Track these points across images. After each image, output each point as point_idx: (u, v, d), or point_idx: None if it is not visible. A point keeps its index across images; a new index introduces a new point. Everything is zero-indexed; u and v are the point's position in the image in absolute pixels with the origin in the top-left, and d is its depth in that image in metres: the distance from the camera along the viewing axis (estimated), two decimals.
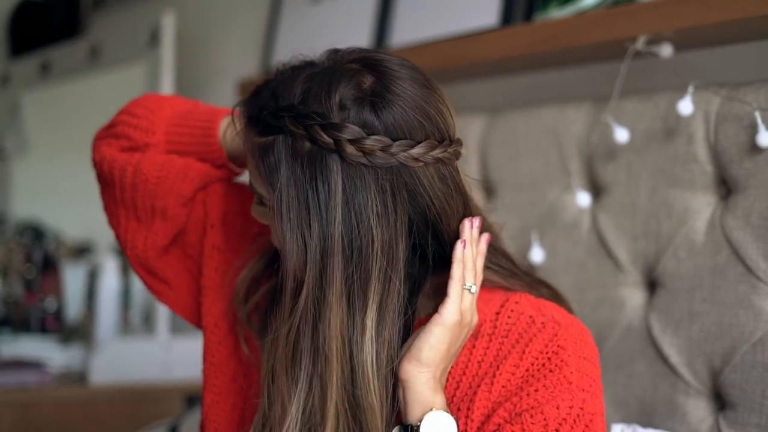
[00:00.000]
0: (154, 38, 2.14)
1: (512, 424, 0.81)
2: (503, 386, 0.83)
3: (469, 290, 0.83)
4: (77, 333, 2.26)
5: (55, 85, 2.61)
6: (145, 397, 1.91)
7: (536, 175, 1.30)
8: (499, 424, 0.82)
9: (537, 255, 1.27)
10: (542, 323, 0.85)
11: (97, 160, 1.03)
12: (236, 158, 1.00)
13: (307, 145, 0.77)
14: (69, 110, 2.77)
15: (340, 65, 0.81)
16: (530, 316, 0.86)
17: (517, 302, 0.87)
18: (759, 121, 1.03)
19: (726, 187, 1.10)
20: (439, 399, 0.81)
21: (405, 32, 1.55)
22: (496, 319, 0.86)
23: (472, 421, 0.83)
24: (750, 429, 1.02)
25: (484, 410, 0.83)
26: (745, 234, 1.05)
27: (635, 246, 1.17)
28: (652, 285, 1.17)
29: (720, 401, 1.08)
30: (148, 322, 2.13)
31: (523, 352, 0.84)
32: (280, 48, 1.87)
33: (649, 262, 1.16)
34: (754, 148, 1.05)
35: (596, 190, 1.25)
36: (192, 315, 1.06)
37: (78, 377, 1.98)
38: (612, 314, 1.19)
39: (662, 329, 1.13)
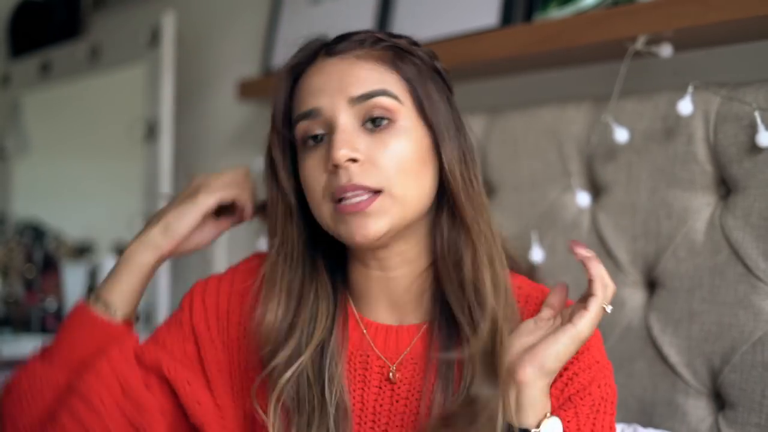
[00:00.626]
0: (154, 38, 2.14)
1: (565, 410, 0.84)
2: None
3: (606, 309, 0.85)
4: None
5: (55, 85, 2.61)
6: None
7: (536, 175, 1.30)
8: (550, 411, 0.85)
9: (537, 255, 1.28)
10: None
11: None
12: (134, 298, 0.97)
13: (432, 71, 0.91)
14: (69, 110, 2.77)
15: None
16: (538, 298, 0.91)
17: (519, 287, 0.92)
18: (758, 121, 1.04)
19: (726, 187, 1.11)
20: (549, 404, 0.83)
21: (405, 32, 1.55)
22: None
23: None
24: (750, 429, 1.02)
25: None
26: (745, 234, 1.05)
27: (635, 246, 1.17)
28: (651, 285, 1.17)
29: (720, 401, 1.08)
30: (148, 321, 2.13)
31: None
32: (280, 48, 1.87)
33: (648, 262, 1.16)
34: (754, 148, 1.05)
35: (596, 190, 1.25)
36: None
37: None
38: (612, 314, 1.18)
39: (662, 329, 1.13)
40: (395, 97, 0.86)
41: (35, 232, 2.61)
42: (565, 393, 0.85)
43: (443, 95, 0.91)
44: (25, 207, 2.80)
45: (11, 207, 2.81)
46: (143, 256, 0.97)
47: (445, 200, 0.89)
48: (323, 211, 0.87)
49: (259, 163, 1.94)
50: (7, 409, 0.91)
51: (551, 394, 0.85)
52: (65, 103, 2.75)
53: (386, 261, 0.91)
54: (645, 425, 1.11)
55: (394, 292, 0.92)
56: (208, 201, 0.98)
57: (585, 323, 0.83)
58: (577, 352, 0.85)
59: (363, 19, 1.64)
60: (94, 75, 2.43)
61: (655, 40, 1.16)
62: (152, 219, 1.00)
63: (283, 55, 1.85)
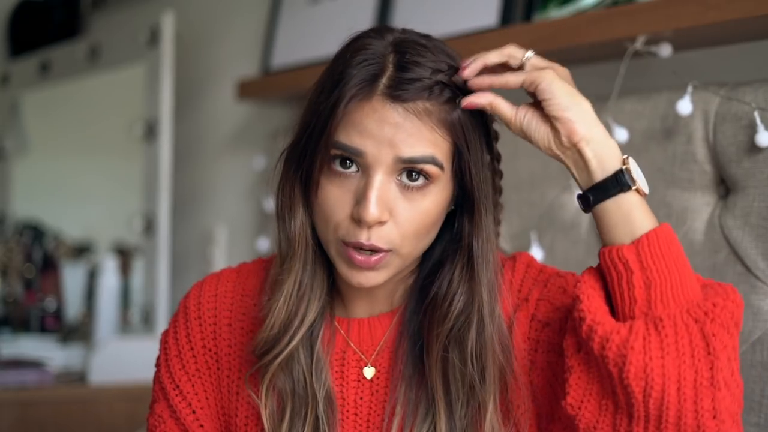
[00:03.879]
0: (154, 38, 2.14)
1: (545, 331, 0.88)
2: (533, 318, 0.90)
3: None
4: (77, 332, 2.27)
5: (55, 85, 2.62)
6: (145, 396, 1.90)
7: (535, 175, 1.30)
8: (536, 339, 0.88)
9: (536, 254, 1.28)
10: (513, 259, 0.93)
11: None
12: None
13: (482, 119, 0.89)
14: (69, 110, 2.78)
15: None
16: (535, 267, 0.93)
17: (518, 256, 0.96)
18: (758, 120, 1.04)
19: (725, 187, 1.11)
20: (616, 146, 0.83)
21: None
22: (513, 275, 0.93)
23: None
24: (749, 428, 1.02)
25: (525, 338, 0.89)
26: (744, 233, 1.05)
27: None
28: None
29: None
30: (148, 321, 2.13)
31: (514, 290, 0.91)
32: (280, 48, 1.87)
33: None
34: (753, 148, 1.05)
35: None
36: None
37: (77, 377, 1.98)
38: None
39: None
40: (440, 166, 0.83)
41: (35, 232, 2.61)
42: (538, 314, 0.88)
43: (486, 156, 0.88)
44: (24, 207, 2.80)
45: (11, 207, 2.81)
46: None
47: (460, 248, 0.88)
48: (328, 237, 0.85)
49: (258, 162, 1.95)
50: None
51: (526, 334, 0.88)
52: (65, 103, 2.75)
53: None
54: None
55: (373, 293, 0.93)
56: None
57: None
58: (533, 281, 0.90)
59: (363, 20, 1.64)
60: (93, 75, 2.43)
61: (654, 40, 1.16)
62: None
63: (283, 55, 1.86)
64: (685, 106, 1.10)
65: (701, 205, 1.12)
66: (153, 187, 2.12)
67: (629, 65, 1.18)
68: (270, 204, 1.84)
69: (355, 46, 0.85)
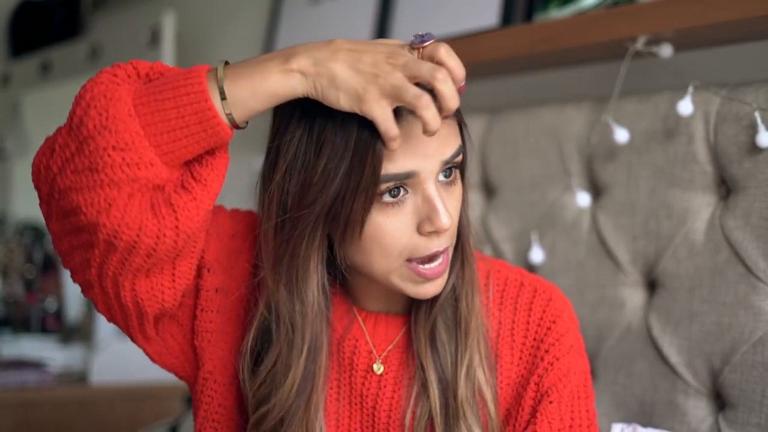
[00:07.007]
0: (154, 38, 2.14)
1: (545, 402, 0.88)
2: (520, 358, 0.92)
3: None
4: (77, 333, 2.27)
5: (55, 85, 2.62)
6: (145, 397, 1.91)
7: (536, 176, 1.30)
8: (533, 407, 0.89)
9: (537, 255, 1.28)
10: (534, 289, 0.94)
11: (115, 225, 0.76)
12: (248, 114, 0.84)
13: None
14: (69, 110, 2.77)
15: None
16: (517, 280, 0.94)
17: (499, 270, 0.95)
18: (759, 121, 1.04)
19: (726, 187, 1.11)
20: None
21: (405, 32, 1.55)
22: (488, 290, 0.94)
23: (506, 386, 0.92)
24: (750, 429, 1.02)
25: (513, 382, 0.91)
26: (745, 234, 1.05)
27: (635, 246, 1.17)
28: (651, 285, 1.17)
29: (720, 401, 1.08)
30: None
31: (528, 323, 0.92)
32: (280, 48, 1.87)
33: (648, 262, 1.16)
34: (754, 148, 1.05)
35: (596, 190, 1.25)
36: (181, 368, 0.96)
37: (78, 377, 1.98)
38: (612, 314, 1.19)
39: (662, 329, 1.13)
40: (464, 152, 0.84)
41: (35, 233, 2.62)
42: (542, 388, 0.89)
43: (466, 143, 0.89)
44: (25, 207, 2.80)
45: (11, 207, 2.82)
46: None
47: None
48: (387, 268, 0.83)
49: (258, 162, 1.94)
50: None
51: (531, 389, 0.89)
52: (65, 103, 2.73)
53: None
54: (645, 425, 1.11)
55: (390, 290, 0.92)
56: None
57: None
58: (554, 337, 0.90)
59: (363, 20, 1.64)
60: (94, 75, 2.43)
61: (655, 41, 1.16)
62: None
63: None
64: (685, 106, 1.10)
65: (702, 206, 1.11)
66: None
67: (630, 66, 1.18)
68: None
69: None
